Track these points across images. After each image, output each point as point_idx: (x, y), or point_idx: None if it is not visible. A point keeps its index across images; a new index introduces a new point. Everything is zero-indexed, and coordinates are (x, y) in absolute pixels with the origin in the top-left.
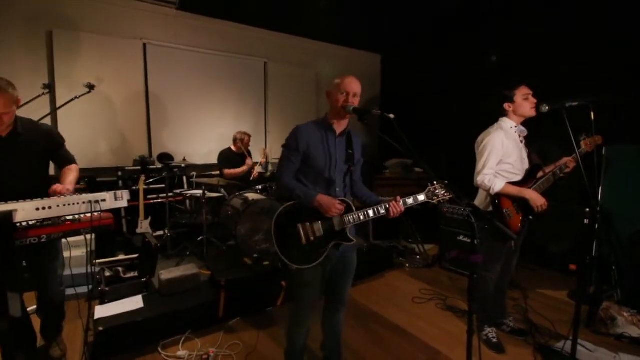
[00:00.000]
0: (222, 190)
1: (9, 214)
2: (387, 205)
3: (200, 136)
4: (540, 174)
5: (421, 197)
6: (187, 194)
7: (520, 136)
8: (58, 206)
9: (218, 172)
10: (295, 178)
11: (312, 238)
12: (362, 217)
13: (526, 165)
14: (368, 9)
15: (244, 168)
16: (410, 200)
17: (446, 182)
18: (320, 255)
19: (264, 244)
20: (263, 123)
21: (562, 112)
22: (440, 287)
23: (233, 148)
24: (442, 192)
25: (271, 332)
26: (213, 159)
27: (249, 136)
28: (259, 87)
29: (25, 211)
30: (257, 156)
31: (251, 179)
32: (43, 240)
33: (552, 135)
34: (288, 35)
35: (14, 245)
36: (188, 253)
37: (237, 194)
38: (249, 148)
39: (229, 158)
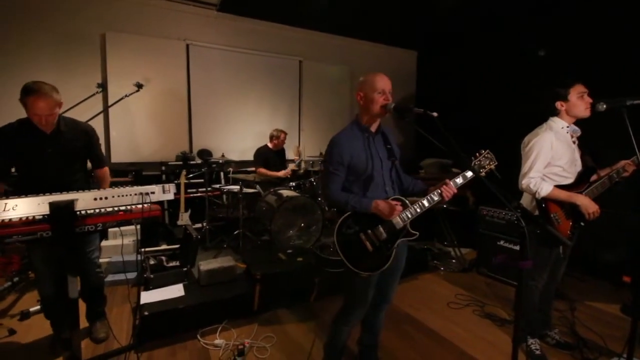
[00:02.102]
0: (258, 186)
1: (71, 203)
2: (440, 191)
3: (237, 133)
4: (594, 177)
5: (469, 173)
6: (224, 188)
7: (572, 136)
8: (113, 197)
9: (254, 169)
10: (342, 189)
11: (377, 243)
12: (419, 210)
13: (578, 167)
14: (404, 5)
15: (279, 173)
16: (459, 180)
17: (488, 151)
18: (388, 257)
19: (297, 240)
20: (297, 121)
21: (622, 112)
22: (478, 293)
23: (270, 145)
24: (487, 162)
25: (304, 327)
26: (249, 156)
27: (285, 133)
28: (294, 86)
29: (85, 201)
30: (290, 154)
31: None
32: (99, 228)
33: (607, 135)
34: (323, 34)
35: (75, 232)
36: (225, 246)
37: (272, 190)
38: (284, 146)
39: (265, 155)
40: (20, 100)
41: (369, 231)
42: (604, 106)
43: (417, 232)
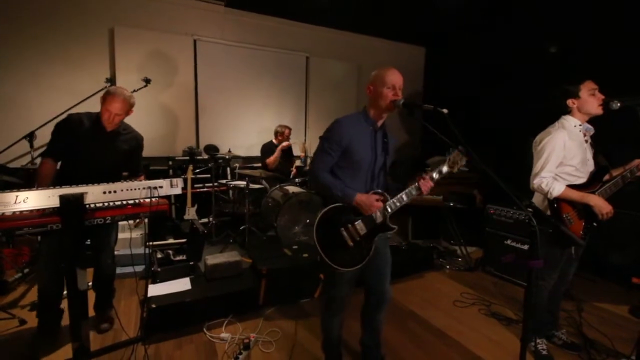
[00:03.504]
0: (264, 182)
1: (81, 196)
2: (418, 185)
3: (244, 129)
4: (606, 177)
5: (444, 169)
6: (231, 184)
7: (585, 135)
8: (122, 190)
9: (260, 165)
10: (330, 172)
11: (357, 239)
12: (398, 204)
13: (591, 167)
14: (412, 0)
15: (276, 154)
16: (435, 175)
17: (461, 148)
18: (367, 252)
19: (302, 236)
20: (303, 117)
21: (636, 110)
22: (484, 292)
23: (274, 141)
24: (460, 158)
25: (308, 322)
26: (255, 151)
27: (289, 129)
28: (301, 82)
29: (94, 194)
30: (296, 150)
31: (291, 176)
32: (108, 221)
33: (621, 134)
34: (330, 29)
35: (84, 225)
36: (231, 241)
37: (278, 186)
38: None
39: (271, 150)
40: (101, 97)
41: (349, 226)
42: (618, 104)
43: (395, 226)
